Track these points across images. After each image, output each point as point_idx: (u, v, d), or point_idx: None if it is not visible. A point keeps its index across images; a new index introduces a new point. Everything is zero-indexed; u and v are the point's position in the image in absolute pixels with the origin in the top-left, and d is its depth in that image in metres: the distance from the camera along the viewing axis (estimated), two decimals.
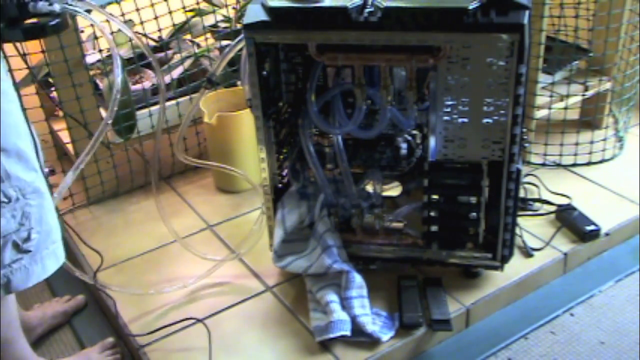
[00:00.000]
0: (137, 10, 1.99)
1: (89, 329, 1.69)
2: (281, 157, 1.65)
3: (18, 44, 1.78)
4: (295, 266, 1.62)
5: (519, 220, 1.72)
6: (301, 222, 1.66)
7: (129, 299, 1.66)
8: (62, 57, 1.84)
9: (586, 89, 2.14)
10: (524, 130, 1.54)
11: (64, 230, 1.30)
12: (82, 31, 1.97)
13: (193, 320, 1.57)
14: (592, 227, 1.81)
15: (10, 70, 1.53)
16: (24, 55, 1.83)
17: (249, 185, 1.90)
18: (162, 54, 2.21)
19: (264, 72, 1.49)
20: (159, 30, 2.09)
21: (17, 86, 1.22)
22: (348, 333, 1.48)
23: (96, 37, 2.12)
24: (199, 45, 2.24)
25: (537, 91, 2.03)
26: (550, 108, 2.10)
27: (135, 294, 1.67)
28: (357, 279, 1.56)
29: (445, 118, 1.48)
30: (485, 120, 1.46)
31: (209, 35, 2.28)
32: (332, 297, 1.54)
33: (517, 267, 1.68)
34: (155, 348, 1.53)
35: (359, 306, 1.52)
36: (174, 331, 1.56)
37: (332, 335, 1.47)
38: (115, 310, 1.61)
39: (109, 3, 1.91)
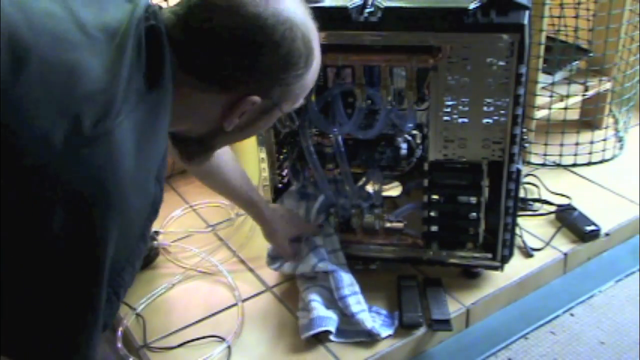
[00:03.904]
0: None
1: None
2: (281, 157, 1.64)
3: None
4: (286, 267, 1.62)
5: (519, 220, 1.72)
6: None
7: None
8: None
9: (586, 89, 2.14)
10: (524, 130, 1.54)
11: None
12: None
13: (193, 320, 1.57)
14: (592, 227, 1.80)
15: None
16: None
17: None
18: None
19: None
20: None
21: None
22: (332, 329, 1.48)
23: None
24: None
25: (537, 91, 2.03)
26: (550, 108, 2.10)
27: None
28: (346, 277, 1.55)
29: (445, 118, 1.48)
30: (485, 121, 1.46)
31: None
32: (313, 297, 1.53)
33: (517, 267, 1.68)
34: (155, 346, 1.53)
35: (354, 303, 1.51)
36: (172, 331, 1.57)
37: (314, 332, 1.47)
38: None
39: None
